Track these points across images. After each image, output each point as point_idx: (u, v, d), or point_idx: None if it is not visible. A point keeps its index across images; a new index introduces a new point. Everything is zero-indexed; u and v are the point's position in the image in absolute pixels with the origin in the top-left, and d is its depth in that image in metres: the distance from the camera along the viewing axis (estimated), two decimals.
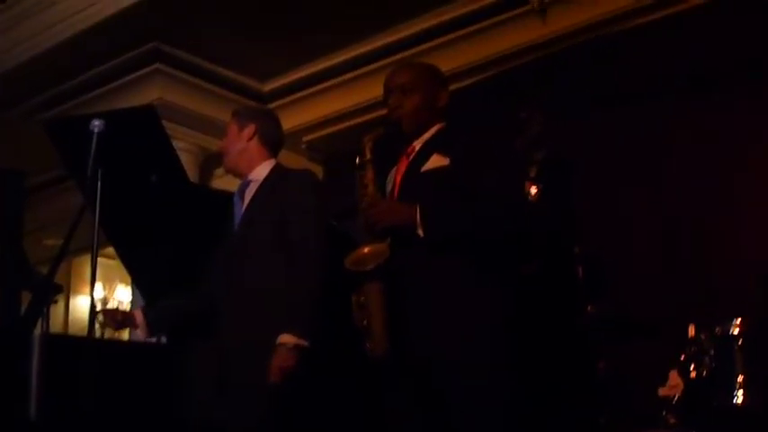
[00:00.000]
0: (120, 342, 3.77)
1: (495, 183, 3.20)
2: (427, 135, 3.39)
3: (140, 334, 3.78)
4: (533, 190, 4.50)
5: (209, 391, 3.59)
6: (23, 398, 3.27)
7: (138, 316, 3.79)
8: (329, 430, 3.97)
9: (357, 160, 3.31)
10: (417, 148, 3.38)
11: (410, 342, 3.11)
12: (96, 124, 3.49)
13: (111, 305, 10.95)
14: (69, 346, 3.54)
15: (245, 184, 3.78)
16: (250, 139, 3.78)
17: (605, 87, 5.87)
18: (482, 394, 3.08)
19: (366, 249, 3.15)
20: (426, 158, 3.30)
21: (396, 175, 3.39)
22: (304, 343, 3.37)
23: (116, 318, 3.80)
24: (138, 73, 6.81)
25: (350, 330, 3.25)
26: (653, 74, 5.72)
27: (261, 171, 3.77)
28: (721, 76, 5.52)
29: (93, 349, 3.31)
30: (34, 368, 3.28)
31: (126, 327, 3.79)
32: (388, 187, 3.38)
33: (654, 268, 5.47)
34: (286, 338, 3.37)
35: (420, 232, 3.12)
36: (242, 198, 3.76)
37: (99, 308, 10.20)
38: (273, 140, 3.86)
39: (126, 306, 10.60)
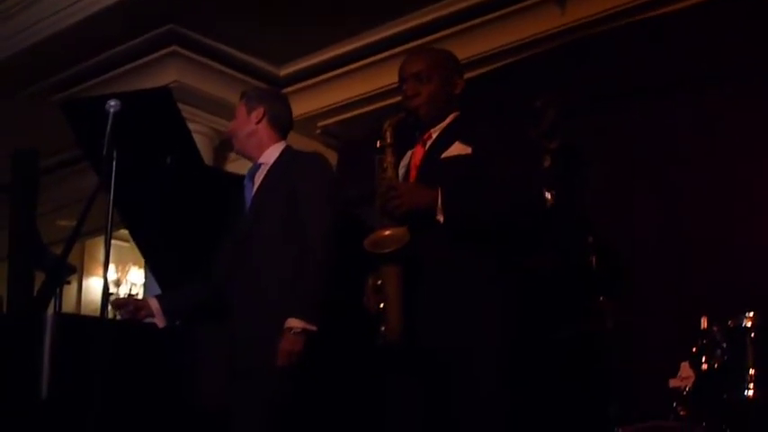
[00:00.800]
0: (132, 324, 3.75)
1: (515, 174, 3.20)
2: (444, 123, 3.39)
3: (157, 322, 3.79)
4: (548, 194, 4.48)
5: (219, 376, 3.60)
6: (35, 377, 3.28)
7: (154, 303, 3.79)
8: (335, 416, 3.97)
9: (378, 144, 3.30)
10: (435, 136, 3.37)
11: (422, 329, 3.11)
12: (112, 105, 3.48)
13: (124, 287, 11.01)
14: (81, 327, 3.56)
15: (256, 168, 3.78)
16: (259, 121, 3.77)
17: (621, 79, 5.84)
18: (488, 385, 3.08)
19: (387, 232, 3.14)
20: (446, 146, 3.29)
21: (413, 161, 3.38)
22: (312, 327, 3.38)
23: (128, 308, 3.81)
24: (154, 55, 6.80)
25: (358, 315, 3.26)
26: (668, 67, 5.69)
27: (271, 154, 3.77)
28: (737, 71, 5.49)
29: (105, 330, 3.30)
30: (46, 348, 3.30)
31: (141, 317, 3.78)
32: (401, 173, 3.37)
33: (666, 260, 5.45)
34: (294, 323, 3.38)
35: (440, 218, 3.11)
36: (252, 181, 3.76)
37: (112, 290, 10.34)
38: (283, 123, 3.85)
39: (139, 288, 10.65)
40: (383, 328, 3.12)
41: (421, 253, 3.11)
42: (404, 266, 3.11)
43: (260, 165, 3.77)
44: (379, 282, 3.15)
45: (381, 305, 3.13)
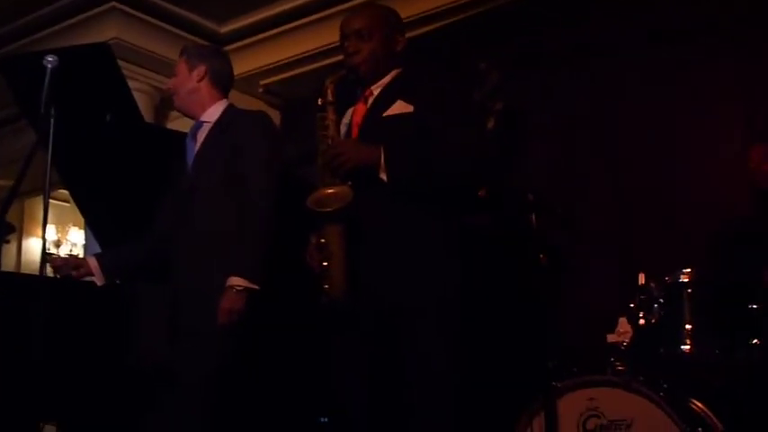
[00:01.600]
0: (70, 282, 3.72)
1: (458, 131, 3.21)
2: (386, 80, 3.38)
3: (96, 281, 3.76)
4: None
5: (160, 335, 3.59)
6: None
7: (92, 262, 3.77)
8: (278, 375, 3.98)
9: (319, 101, 3.30)
10: (376, 93, 3.37)
11: (366, 286, 3.13)
12: (50, 60, 3.43)
13: (64, 248, 10.91)
14: (20, 284, 3.52)
15: (198, 126, 3.75)
16: (201, 79, 3.74)
17: (563, 38, 5.87)
18: (432, 341, 3.11)
19: (329, 190, 3.14)
20: (389, 104, 3.29)
21: (354, 119, 3.37)
22: (254, 286, 3.38)
23: (69, 265, 3.78)
24: (93, 11, 6.71)
25: (300, 273, 3.26)
26: (611, 27, 5.73)
27: (213, 112, 3.74)
28: (679, 32, 5.55)
29: (42, 287, 3.27)
30: None
31: (80, 275, 3.75)
32: (343, 130, 3.36)
33: (606, 217, 5.52)
34: (236, 281, 3.36)
35: (383, 176, 3.12)
36: (194, 139, 3.73)
37: (52, 250, 10.23)
38: (225, 81, 3.83)
39: (79, 249, 10.55)
40: (326, 286, 3.13)
41: (364, 211, 3.11)
42: (347, 225, 3.12)
43: (202, 123, 3.74)
44: (323, 240, 3.15)
45: (325, 263, 3.14)
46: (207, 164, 3.64)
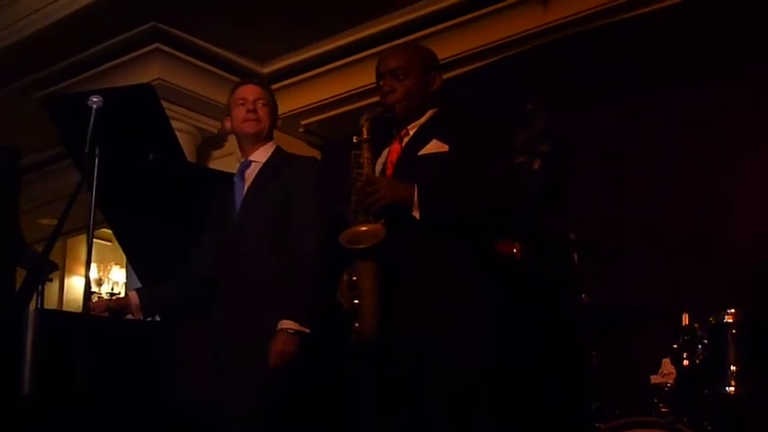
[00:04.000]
0: (114, 320, 3.75)
1: (494, 171, 3.21)
2: (422, 120, 3.39)
3: (133, 316, 3.78)
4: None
5: (205, 373, 3.60)
6: (17, 373, 3.26)
7: (134, 297, 3.80)
8: (318, 414, 3.97)
9: (354, 139, 3.31)
10: (412, 133, 3.37)
11: (397, 325, 3.11)
12: (95, 101, 3.47)
13: (105, 286, 10.97)
14: (63, 322, 3.54)
15: (246, 165, 3.77)
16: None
17: (604, 78, 5.85)
18: (467, 380, 3.09)
19: (363, 228, 3.15)
20: (424, 143, 3.29)
21: (389, 158, 3.38)
22: (305, 329, 3.40)
23: (109, 307, 3.81)
24: (137, 52, 6.76)
25: (333, 311, 3.26)
26: (653, 64, 5.71)
27: (262, 152, 3.77)
28: (721, 68, 5.52)
29: (86, 325, 3.28)
30: (28, 343, 3.28)
31: (121, 315, 3.78)
32: (378, 169, 3.37)
33: (649, 259, 5.48)
34: (288, 324, 3.39)
35: (416, 213, 3.12)
36: (243, 178, 3.75)
37: (94, 289, 10.30)
38: (276, 122, 3.87)
39: (121, 287, 10.61)
40: (357, 324, 3.12)
41: (396, 249, 3.12)
42: (379, 263, 3.12)
43: (251, 162, 3.77)
44: (354, 278, 3.16)
45: (356, 301, 3.14)
46: (257, 205, 3.66)
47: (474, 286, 3.18)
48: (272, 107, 3.81)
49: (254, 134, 3.78)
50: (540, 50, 5.98)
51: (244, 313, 3.53)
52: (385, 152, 3.43)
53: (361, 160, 3.29)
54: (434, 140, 3.28)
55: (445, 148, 3.25)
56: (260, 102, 3.77)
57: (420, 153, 3.29)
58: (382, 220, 3.14)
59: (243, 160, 3.80)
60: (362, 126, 3.32)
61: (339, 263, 3.26)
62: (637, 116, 5.77)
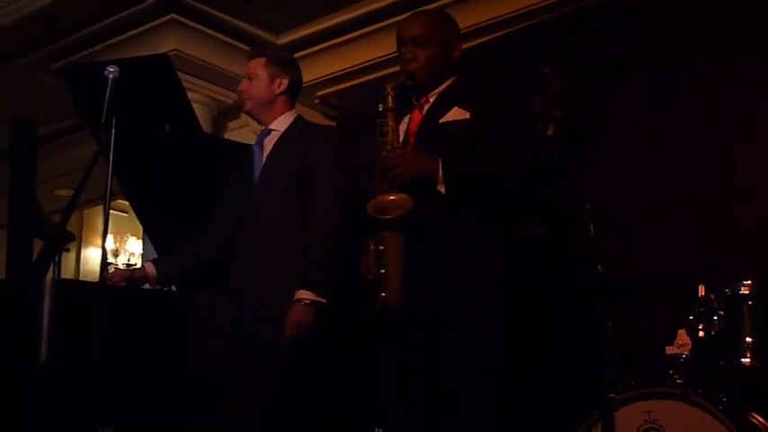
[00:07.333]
0: (131, 289, 3.76)
1: (515, 139, 3.19)
2: (442, 87, 3.38)
3: (149, 286, 3.81)
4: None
5: (223, 343, 3.61)
6: (34, 343, 3.28)
7: (150, 268, 3.83)
8: (334, 384, 3.99)
9: (379, 107, 3.29)
10: (432, 100, 3.36)
11: (420, 295, 3.11)
12: (111, 71, 3.47)
13: (122, 257, 11.03)
14: (80, 292, 3.55)
15: (266, 133, 3.77)
16: (281, 92, 3.77)
17: (622, 49, 5.82)
18: (485, 349, 3.10)
19: (390, 197, 3.15)
20: (445, 110, 3.29)
21: (410, 126, 3.37)
22: (322, 300, 3.41)
23: (126, 277, 3.83)
24: (153, 23, 6.76)
25: (353, 281, 3.26)
26: (670, 38, 5.68)
27: (282, 121, 3.77)
28: (738, 45, 5.48)
29: (103, 295, 3.30)
30: (45, 313, 3.30)
31: (138, 285, 3.81)
32: (401, 137, 3.36)
33: (665, 228, 5.46)
34: (304, 294, 3.41)
35: (441, 188, 3.11)
36: (261, 147, 3.75)
37: (110, 260, 10.35)
38: (298, 92, 3.88)
39: (137, 258, 10.66)
40: (383, 294, 3.12)
41: (420, 221, 3.11)
42: (406, 233, 3.12)
43: (270, 131, 3.77)
44: (381, 248, 3.15)
45: (382, 271, 3.13)
46: (277, 172, 3.66)
47: (495, 256, 3.19)
48: (265, 79, 3.77)
49: (248, 111, 3.84)
50: (559, 20, 5.95)
51: (262, 281, 3.54)
52: (405, 120, 3.41)
53: (386, 128, 3.28)
54: (456, 108, 3.27)
55: (467, 115, 3.25)
56: (249, 77, 3.79)
57: (441, 121, 3.28)
58: (407, 192, 3.13)
59: (262, 129, 3.80)
60: (388, 94, 3.30)
61: (357, 232, 3.26)
62: (654, 88, 5.73)
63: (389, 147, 3.24)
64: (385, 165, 3.19)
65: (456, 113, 3.25)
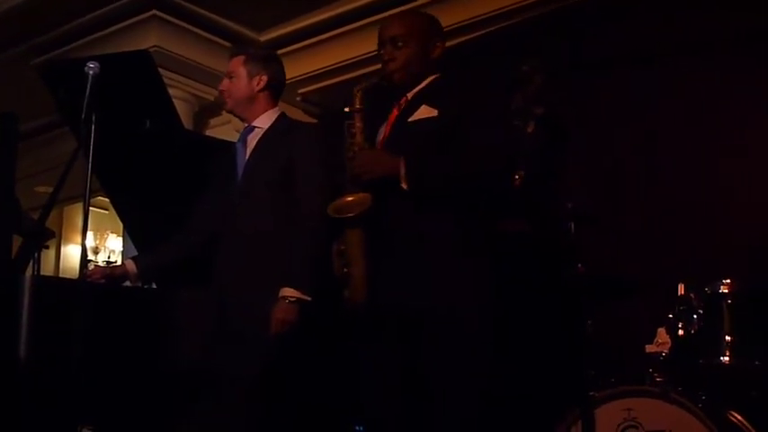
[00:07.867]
0: (110, 286, 3.75)
1: (484, 138, 3.19)
2: (421, 86, 3.38)
3: (130, 283, 3.79)
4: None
5: (205, 338, 3.60)
6: (13, 340, 3.27)
7: (130, 265, 3.81)
8: (315, 381, 3.99)
9: (347, 109, 3.30)
10: (410, 99, 3.36)
11: (387, 293, 3.12)
12: (91, 67, 3.46)
13: (102, 255, 11.00)
14: (60, 289, 3.54)
15: (249, 130, 3.77)
16: (261, 89, 3.75)
17: (604, 48, 5.85)
18: (452, 347, 3.09)
19: (349, 198, 3.19)
20: (415, 109, 3.29)
21: (386, 126, 3.38)
22: (307, 298, 3.41)
23: (106, 274, 3.82)
24: (134, 19, 6.75)
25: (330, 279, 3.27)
26: (652, 37, 5.70)
27: (266, 118, 3.76)
28: (719, 44, 5.50)
29: (83, 292, 3.29)
30: (24, 310, 3.28)
31: (119, 282, 3.79)
32: (378, 138, 3.37)
33: (645, 227, 5.48)
34: (289, 292, 3.41)
35: (404, 185, 3.11)
36: (245, 144, 3.74)
37: (90, 257, 10.32)
38: (280, 89, 3.86)
39: (117, 255, 10.63)
40: (346, 292, 3.14)
41: (386, 219, 3.13)
42: (367, 231, 3.14)
43: (253, 128, 3.76)
44: (343, 247, 3.18)
45: (345, 269, 3.16)
46: (259, 169, 3.65)
47: (464, 252, 3.17)
48: (244, 77, 3.76)
49: (229, 110, 3.83)
50: (533, 20, 5.96)
51: (245, 278, 3.53)
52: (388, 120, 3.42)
53: (354, 130, 3.29)
54: (424, 106, 3.27)
55: (434, 112, 3.24)
56: (229, 75, 3.79)
57: (410, 120, 3.28)
58: (371, 191, 3.15)
59: (246, 126, 3.79)
60: (355, 96, 3.31)
61: (336, 231, 3.27)
62: (636, 86, 5.76)
63: (356, 148, 3.24)
64: (350, 166, 3.20)
65: (424, 111, 3.25)
